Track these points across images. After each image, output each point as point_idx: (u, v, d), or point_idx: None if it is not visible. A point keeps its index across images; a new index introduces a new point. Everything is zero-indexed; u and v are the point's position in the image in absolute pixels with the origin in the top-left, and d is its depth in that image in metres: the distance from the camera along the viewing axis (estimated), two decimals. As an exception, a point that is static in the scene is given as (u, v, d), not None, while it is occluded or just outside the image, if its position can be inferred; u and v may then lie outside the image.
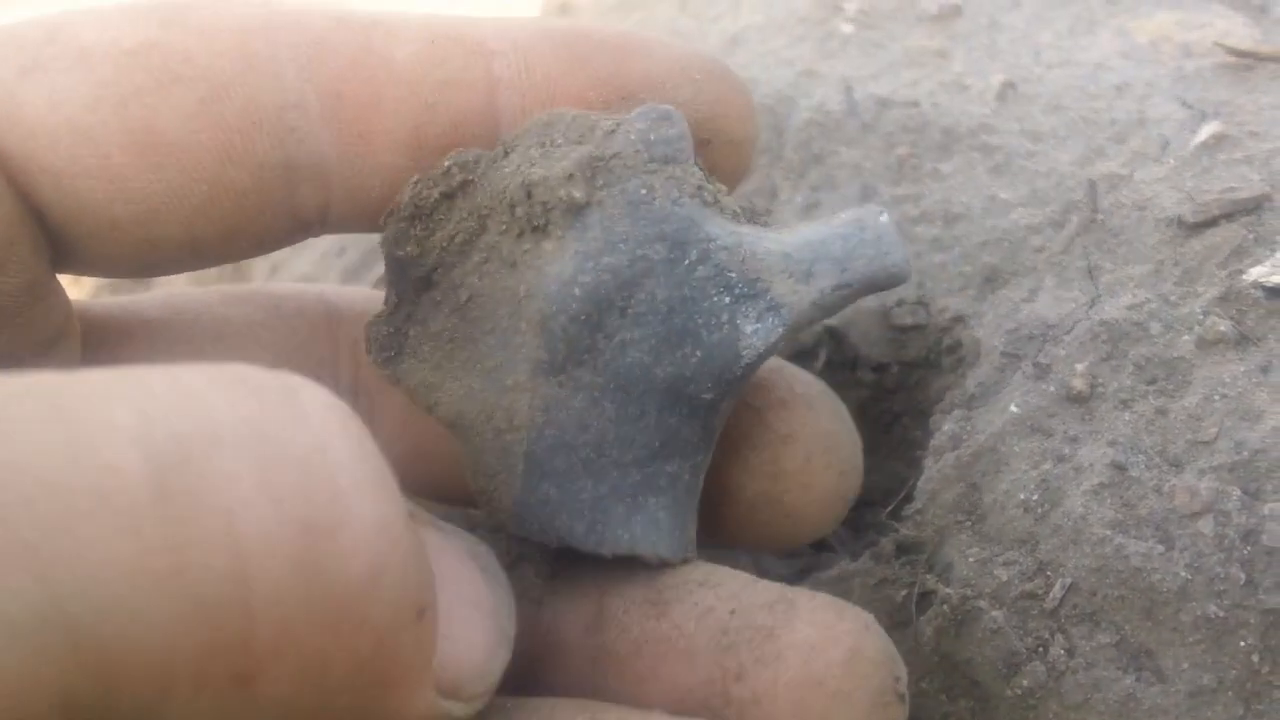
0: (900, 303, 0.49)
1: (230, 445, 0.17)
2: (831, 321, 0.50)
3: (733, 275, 0.25)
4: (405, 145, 0.26)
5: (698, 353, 0.25)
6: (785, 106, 0.57)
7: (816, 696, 0.23)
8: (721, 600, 0.25)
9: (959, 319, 0.47)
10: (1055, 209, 0.48)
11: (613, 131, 0.26)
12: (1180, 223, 0.44)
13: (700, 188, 0.26)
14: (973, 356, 0.46)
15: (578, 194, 0.25)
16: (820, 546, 0.49)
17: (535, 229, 0.25)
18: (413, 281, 0.26)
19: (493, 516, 0.26)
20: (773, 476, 0.28)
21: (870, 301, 0.49)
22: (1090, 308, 0.43)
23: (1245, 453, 0.36)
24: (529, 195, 0.25)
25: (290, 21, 0.26)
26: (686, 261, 0.25)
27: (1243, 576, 0.34)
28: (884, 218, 0.26)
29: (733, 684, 0.23)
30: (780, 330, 0.26)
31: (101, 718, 0.17)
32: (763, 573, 0.51)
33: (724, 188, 0.27)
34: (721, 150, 0.28)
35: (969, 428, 0.43)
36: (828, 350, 0.50)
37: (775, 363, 0.29)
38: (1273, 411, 0.36)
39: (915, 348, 0.48)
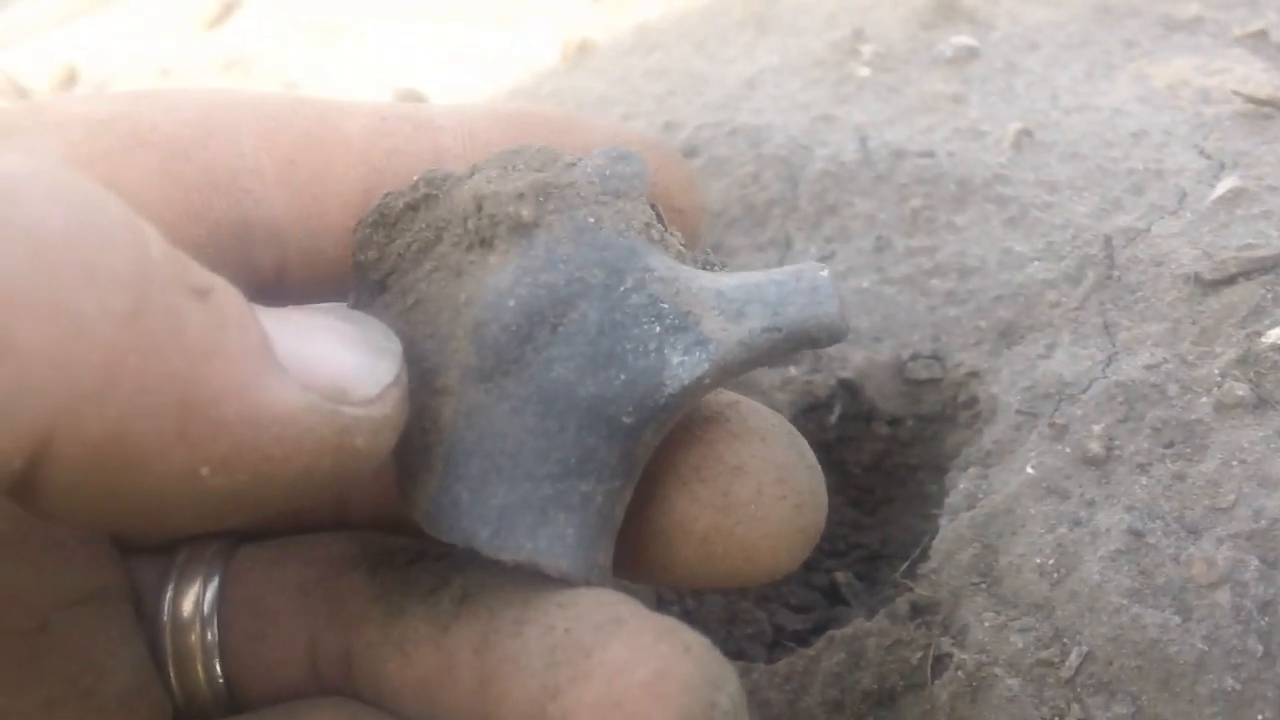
0: (915, 357, 0.48)
1: None
2: (846, 374, 0.50)
3: (665, 306, 0.26)
4: (355, 208, 0.28)
5: (621, 376, 0.26)
6: (800, 157, 0.57)
7: (615, 718, 0.22)
8: (566, 620, 0.24)
9: (974, 374, 0.47)
10: (1071, 263, 0.48)
11: (572, 165, 0.27)
12: (1198, 280, 0.44)
13: (648, 225, 0.27)
14: (989, 413, 0.45)
15: (525, 213, 0.26)
16: (835, 600, 0.49)
17: (483, 242, 0.26)
18: (370, 285, 0.27)
19: (411, 516, 0.27)
20: (723, 509, 0.27)
21: (885, 355, 0.49)
22: (1107, 366, 0.43)
23: (1263, 521, 0.35)
24: (479, 208, 0.26)
25: (251, 100, 0.28)
26: (622, 288, 0.26)
27: (1260, 649, 0.33)
28: (824, 272, 0.27)
29: (549, 702, 0.23)
30: (706, 365, 0.26)
31: None
32: (778, 629, 0.51)
33: (679, 234, 0.28)
34: (668, 218, 0.29)
35: (985, 487, 0.43)
36: (843, 403, 0.50)
37: (730, 397, 0.29)
38: (1291, 479, 0.36)
39: (930, 402, 0.48)
